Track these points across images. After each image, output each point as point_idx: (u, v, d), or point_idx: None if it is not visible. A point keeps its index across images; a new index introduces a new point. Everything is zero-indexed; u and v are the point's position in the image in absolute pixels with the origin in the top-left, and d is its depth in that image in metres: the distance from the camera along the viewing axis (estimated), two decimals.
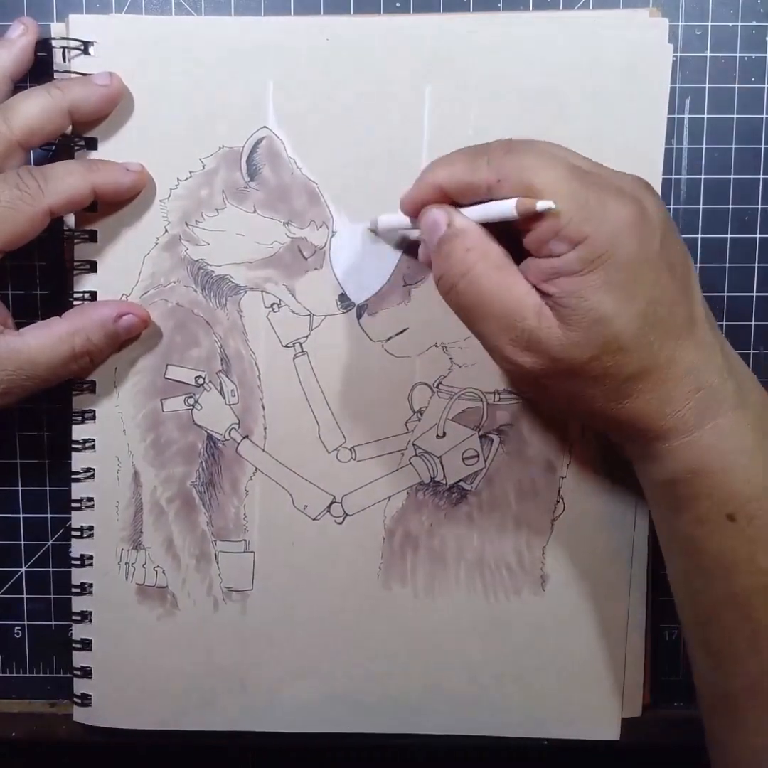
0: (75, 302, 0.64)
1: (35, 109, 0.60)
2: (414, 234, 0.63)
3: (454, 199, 0.54)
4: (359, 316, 0.65)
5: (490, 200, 0.52)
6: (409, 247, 0.64)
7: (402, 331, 0.65)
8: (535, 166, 0.50)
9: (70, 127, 0.63)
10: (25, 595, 0.71)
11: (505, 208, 0.50)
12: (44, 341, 0.60)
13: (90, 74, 0.62)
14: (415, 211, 0.57)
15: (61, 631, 0.70)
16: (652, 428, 0.53)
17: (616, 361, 0.51)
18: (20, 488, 0.70)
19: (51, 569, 0.70)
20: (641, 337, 0.50)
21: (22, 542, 0.70)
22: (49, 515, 0.70)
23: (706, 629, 0.56)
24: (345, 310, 0.65)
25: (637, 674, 0.68)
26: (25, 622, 0.71)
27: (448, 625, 0.67)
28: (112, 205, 0.63)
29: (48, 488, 0.70)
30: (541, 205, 0.48)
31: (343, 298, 0.65)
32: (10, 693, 0.72)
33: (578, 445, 0.67)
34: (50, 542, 0.70)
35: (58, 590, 0.69)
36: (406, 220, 0.59)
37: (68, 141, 0.63)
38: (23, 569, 0.70)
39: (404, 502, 0.67)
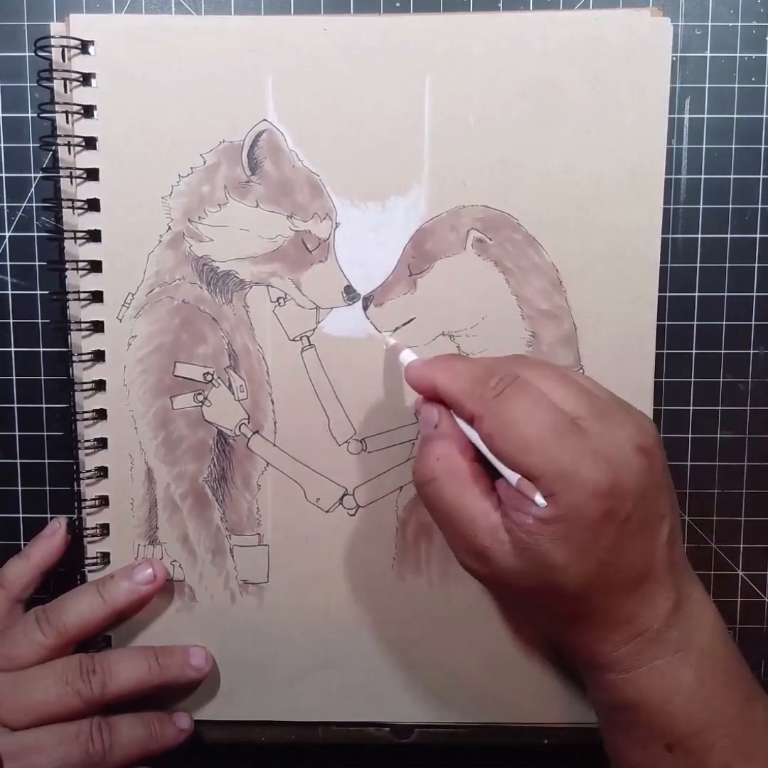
0: (79, 303, 0.62)
1: (87, 618, 0.62)
2: None
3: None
4: (365, 308, 0.63)
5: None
6: None
7: (409, 321, 0.63)
8: (514, 421, 0.50)
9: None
10: None
11: (507, 473, 0.50)
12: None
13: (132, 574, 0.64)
14: (417, 390, 0.56)
15: None
16: (590, 659, 0.53)
17: (557, 601, 0.51)
18: (20, 488, 0.68)
19: None
20: (583, 592, 0.50)
21: (22, 542, 0.69)
22: (49, 515, 0.68)
23: None
24: (351, 302, 0.63)
25: None
26: None
27: (463, 613, 0.66)
28: None
29: (48, 488, 0.68)
30: (539, 500, 0.48)
31: (349, 289, 0.63)
32: None
33: None
34: None
35: (58, 590, 0.67)
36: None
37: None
38: None
39: (416, 493, 0.63)
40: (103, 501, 0.65)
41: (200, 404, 0.64)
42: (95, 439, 0.64)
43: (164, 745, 0.63)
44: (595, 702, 0.56)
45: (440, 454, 0.53)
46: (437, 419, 0.54)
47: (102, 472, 0.64)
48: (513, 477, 0.49)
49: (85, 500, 0.65)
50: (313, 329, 0.64)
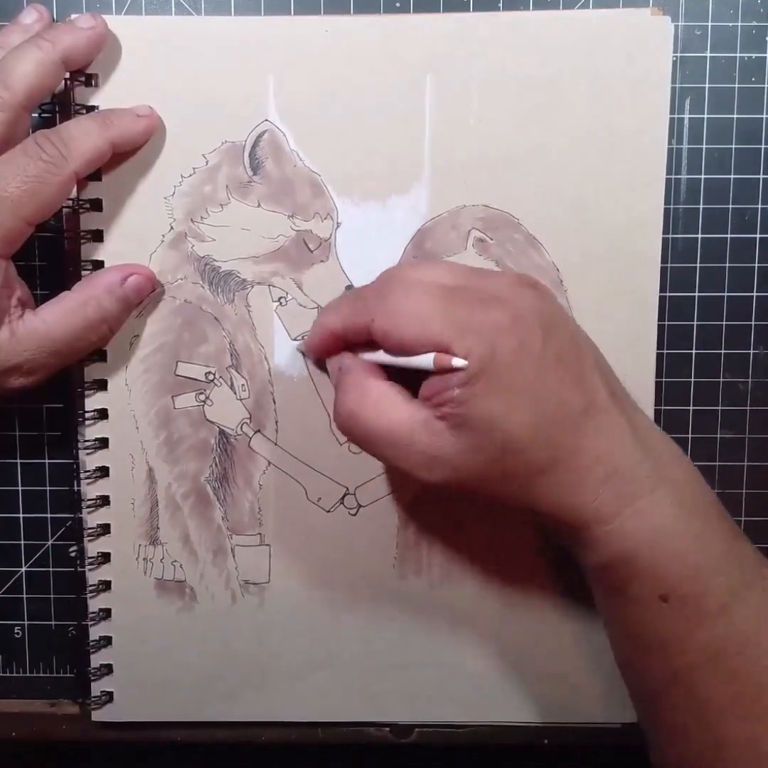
0: None
1: (30, 67, 0.57)
2: None
3: (350, 342, 0.55)
4: None
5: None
6: None
7: None
8: (400, 304, 0.50)
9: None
10: (25, 595, 0.69)
11: (421, 362, 0.50)
12: (58, 316, 0.58)
13: (74, 22, 0.59)
14: (317, 356, 0.58)
15: (61, 631, 0.69)
16: (570, 520, 0.51)
17: (517, 460, 0.50)
18: (20, 488, 0.67)
19: (51, 569, 0.68)
20: (536, 433, 0.49)
21: (22, 542, 0.68)
22: (49, 515, 0.67)
23: (654, 707, 0.54)
24: None
25: None
26: (25, 622, 0.69)
27: (464, 613, 0.65)
28: (125, 154, 0.61)
29: (48, 488, 0.67)
30: (457, 362, 0.48)
31: (351, 289, 0.62)
32: (10, 693, 0.70)
33: None
34: (50, 542, 0.68)
35: (58, 590, 0.67)
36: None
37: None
38: (23, 569, 0.68)
39: (417, 492, 0.64)
40: (104, 501, 0.64)
41: (202, 404, 0.63)
42: (96, 439, 0.63)
43: (125, 132, 0.59)
44: (586, 570, 0.55)
45: (346, 386, 0.53)
46: (339, 362, 0.55)
47: (103, 471, 0.63)
48: (427, 359, 0.49)
49: (86, 500, 0.64)
50: None
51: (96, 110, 0.60)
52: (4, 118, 0.56)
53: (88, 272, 0.61)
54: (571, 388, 0.50)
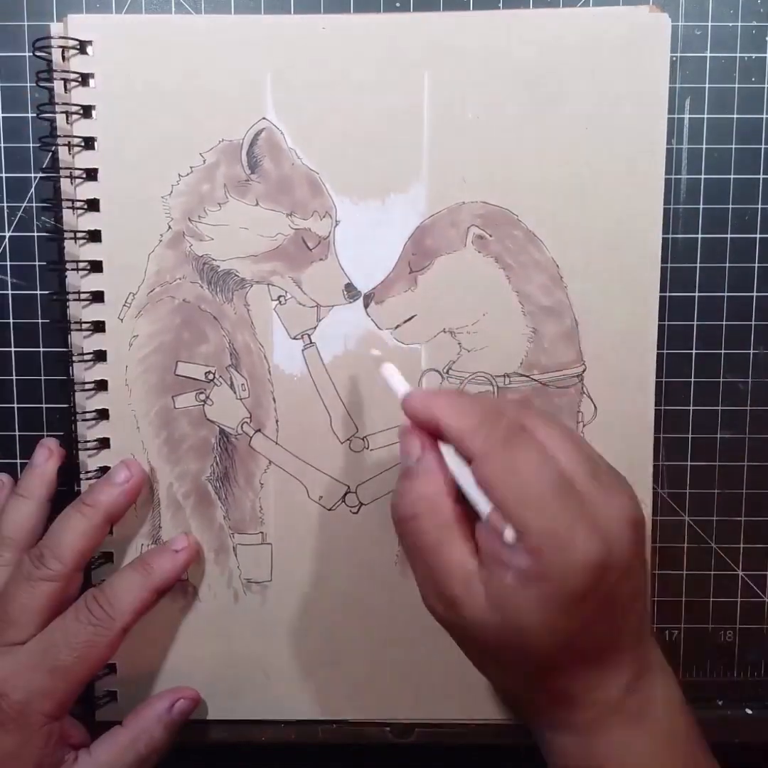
0: (79, 303, 0.61)
1: (77, 536, 0.59)
2: None
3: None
4: (366, 305, 0.62)
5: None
6: None
7: (410, 319, 0.62)
8: (518, 471, 0.47)
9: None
10: None
11: (481, 504, 0.47)
12: (112, 755, 0.59)
13: (110, 477, 0.62)
14: (413, 421, 0.52)
15: None
16: (544, 722, 0.50)
17: (518, 662, 0.48)
18: None
19: None
20: (550, 658, 0.47)
21: None
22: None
23: None
24: (352, 300, 0.62)
25: None
26: None
27: None
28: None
29: None
30: (508, 535, 0.45)
31: (350, 287, 0.62)
32: None
33: (589, 427, 0.63)
34: None
35: None
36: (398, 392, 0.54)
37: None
38: None
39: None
40: None
41: (202, 403, 0.63)
42: (97, 439, 0.62)
43: (167, 575, 0.61)
44: (549, 761, 0.53)
45: (424, 492, 0.50)
46: (420, 453, 0.51)
47: (104, 472, 0.63)
48: (486, 508, 0.47)
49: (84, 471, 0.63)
50: (314, 327, 0.62)
51: (137, 558, 0.62)
52: (58, 587, 0.58)
53: (87, 273, 0.61)
54: (607, 633, 0.48)
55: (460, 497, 0.49)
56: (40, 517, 0.61)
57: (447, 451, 0.50)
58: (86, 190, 0.60)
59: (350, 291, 0.61)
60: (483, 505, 0.47)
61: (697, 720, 0.51)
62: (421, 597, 0.50)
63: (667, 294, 0.63)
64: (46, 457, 0.62)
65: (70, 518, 0.59)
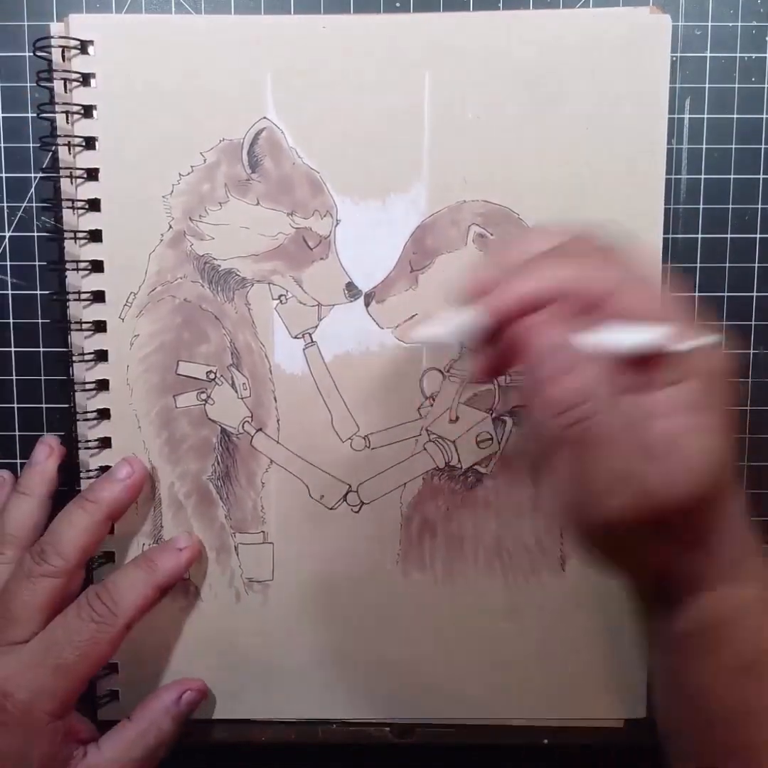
0: (80, 303, 0.60)
1: (80, 532, 0.59)
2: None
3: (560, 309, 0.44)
4: (367, 304, 0.61)
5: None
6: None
7: (411, 318, 0.61)
8: (649, 286, 0.44)
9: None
10: None
11: (657, 334, 0.42)
12: (120, 750, 0.59)
13: (112, 473, 0.61)
14: (505, 319, 0.44)
15: None
16: (686, 580, 0.48)
17: (693, 507, 0.44)
18: None
19: None
20: (718, 483, 0.44)
21: None
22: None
23: None
24: (353, 299, 0.61)
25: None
26: None
27: (468, 609, 0.64)
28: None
29: None
30: (705, 339, 0.42)
31: (351, 286, 0.61)
32: None
33: None
34: None
35: None
36: (448, 332, 0.47)
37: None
38: None
39: (420, 488, 0.63)
40: None
41: (203, 403, 0.62)
42: (98, 439, 0.62)
43: (170, 573, 0.60)
44: (666, 637, 0.51)
45: (594, 376, 0.43)
46: (574, 341, 0.43)
47: (105, 471, 0.62)
48: (661, 332, 0.42)
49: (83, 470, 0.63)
50: (315, 326, 0.61)
51: (140, 555, 0.61)
52: (60, 584, 0.57)
53: (88, 273, 0.60)
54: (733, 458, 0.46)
55: None
56: (42, 514, 0.60)
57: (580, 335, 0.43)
58: (87, 190, 0.59)
59: (351, 290, 0.61)
60: (659, 331, 0.42)
61: None
62: (636, 492, 0.43)
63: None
64: (47, 455, 0.61)
65: (72, 514, 0.59)
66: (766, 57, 0.62)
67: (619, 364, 0.43)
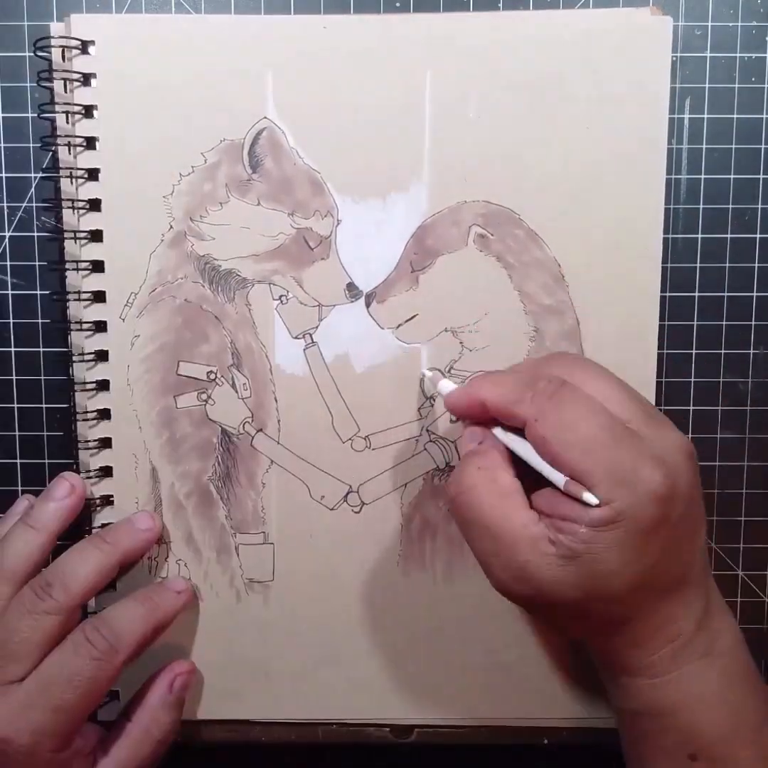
0: (81, 303, 0.59)
1: (90, 571, 0.57)
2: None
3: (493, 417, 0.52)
4: (368, 305, 0.60)
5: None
6: None
7: (411, 318, 0.60)
8: (573, 423, 0.47)
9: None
10: None
11: (553, 475, 0.47)
12: (128, 749, 0.58)
13: (133, 521, 0.61)
14: (458, 415, 0.55)
15: None
16: (622, 665, 0.50)
17: (599, 608, 0.48)
18: (20, 488, 0.65)
19: None
20: (630, 595, 0.47)
21: None
22: None
23: None
24: (353, 299, 0.60)
25: None
26: None
27: (468, 609, 0.63)
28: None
29: None
30: (588, 497, 0.45)
31: (351, 286, 0.60)
32: None
33: None
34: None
35: None
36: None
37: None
38: None
39: (421, 489, 0.62)
40: (108, 500, 0.61)
41: (204, 403, 0.61)
42: (99, 439, 0.61)
43: (168, 613, 0.59)
44: (620, 711, 0.53)
45: (483, 464, 0.50)
46: (481, 437, 0.52)
47: (106, 471, 0.61)
48: (561, 479, 0.46)
49: (90, 499, 0.61)
50: (316, 327, 0.60)
51: (139, 592, 0.60)
52: (59, 621, 0.55)
53: (89, 273, 0.59)
54: (677, 560, 0.48)
55: (518, 474, 0.50)
56: (46, 552, 0.58)
57: (500, 431, 0.51)
58: (88, 190, 0.58)
59: (352, 290, 0.60)
60: (555, 475, 0.47)
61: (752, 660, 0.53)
62: (489, 577, 0.49)
63: (667, 294, 0.62)
64: (66, 493, 0.59)
65: (86, 552, 0.57)
66: (766, 57, 0.61)
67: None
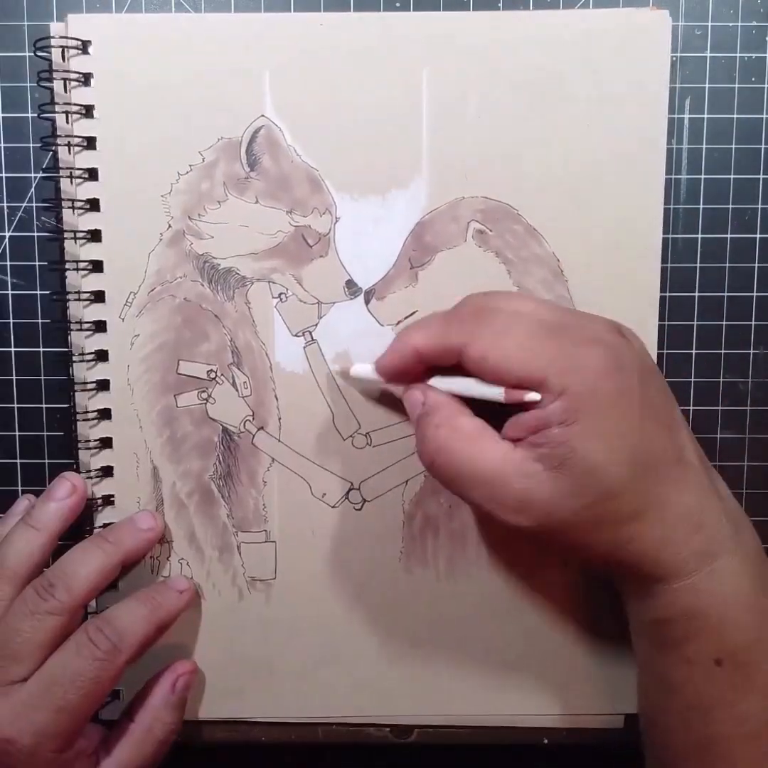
0: (80, 303, 0.59)
1: (92, 571, 0.56)
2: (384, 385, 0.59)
3: (432, 363, 0.51)
4: (367, 302, 0.60)
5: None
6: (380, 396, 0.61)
7: (411, 314, 0.60)
8: (504, 330, 0.47)
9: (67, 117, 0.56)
10: None
11: (492, 392, 0.48)
12: (130, 750, 0.57)
13: (134, 521, 0.60)
14: (393, 376, 0.54)
15: None
16: (652, 569, 0.48)
17: (611, 506, 0.47)
18: (20, 488, 0.64)
19: None
20: (632, 481, 0.46)
21: None
22: None
23: None
24: (353, 296, 0.60)
25: None
26: None
27: (470, 606, 0.62)
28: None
29: None
30: (530, 396, 0.46)
31: (351, 284, 0.59)
32: None
33: None
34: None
35: None
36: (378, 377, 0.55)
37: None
38: None
39: (422, 485, 0.61)
40: (108, 500, 0.61)
41: (204, 402, 0.60)
42: (100, 439, 0.60)
43: (170, 612, 0.58)
44: (640, 623, 0.52)
45: (437, 421, 0.49)
46: (422, 396, 0.51)
47: (107, 471, 0.60)
48: (500, 393, 0.47)
49: (91, 499, 0.60)
50: (316, 324, 0.60)
51: (141, 591, 0.59)
52: (62, 622, 0.55)
53: (88, 272, 0.58)
54: (664, 438, 0.48)
55: (475, 413, 0.50)
56: (47, 552, 0.57)
57: (437, 380, 0.51)
58: (87, 190, 0.58)
59: (351, 287, 0.59)
60: (493, 390, 0.47)
61: None
62: (498, 521, 0.48)
63: (667, 294, 0.61)
64: (67, 493, 0.58)
65: (88, 552, 0.57)
66: (766, 57, 0.60)
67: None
